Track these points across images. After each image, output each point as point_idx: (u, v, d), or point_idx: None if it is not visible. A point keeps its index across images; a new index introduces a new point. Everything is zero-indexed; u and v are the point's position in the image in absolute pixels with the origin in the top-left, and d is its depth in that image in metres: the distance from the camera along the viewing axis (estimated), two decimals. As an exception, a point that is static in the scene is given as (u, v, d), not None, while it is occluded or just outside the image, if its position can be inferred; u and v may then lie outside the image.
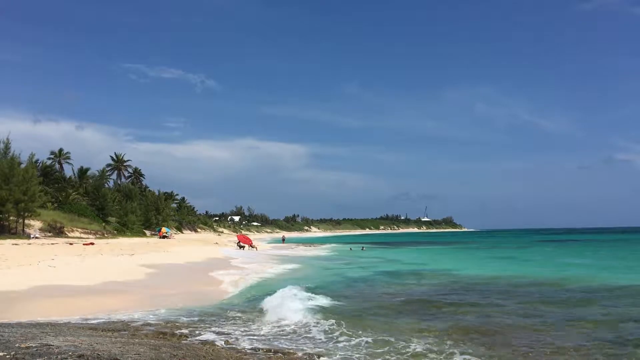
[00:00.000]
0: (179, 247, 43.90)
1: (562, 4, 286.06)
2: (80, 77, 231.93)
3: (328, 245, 63.73)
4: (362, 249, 52.79)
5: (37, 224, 47.59)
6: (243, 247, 49.14)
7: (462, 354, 8.29)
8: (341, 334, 9.57)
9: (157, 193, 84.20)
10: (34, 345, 6.12)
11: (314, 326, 10.32)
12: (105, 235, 56.18)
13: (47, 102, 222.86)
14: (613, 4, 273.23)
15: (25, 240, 39.06)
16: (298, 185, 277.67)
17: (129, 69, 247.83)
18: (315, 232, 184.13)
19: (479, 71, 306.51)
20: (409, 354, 8.23)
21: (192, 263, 27.47)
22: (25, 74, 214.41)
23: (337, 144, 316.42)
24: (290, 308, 12.31)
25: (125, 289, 15.73)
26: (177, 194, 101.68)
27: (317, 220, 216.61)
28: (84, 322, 9.89)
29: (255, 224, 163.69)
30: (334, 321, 10.80)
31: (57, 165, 70.75)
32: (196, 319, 10.92)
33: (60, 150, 73.59)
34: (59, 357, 5.57)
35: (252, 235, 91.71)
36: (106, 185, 74.61)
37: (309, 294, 15.06)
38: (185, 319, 10.84)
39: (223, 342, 8.56)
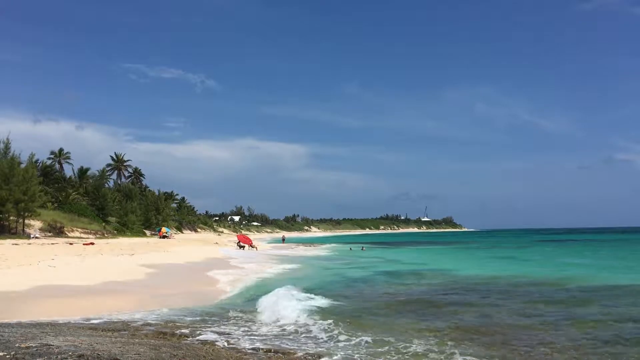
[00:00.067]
0: (179, 247, 43.91)
1: (562, 4, 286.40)
2: (80, 77, 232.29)
3: (328, 245, 63.73)
4: (362, 249, 52.79)
5: (37, 224, 47.60)
6: (243, 247, 49.15)
7: (462, 353, 8.29)
8: (341, 334, 9.57)
9: (157, 193, 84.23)
10: (34, 345, 6.12)
11: (313, 326, 10.32)
12: (105, 235, 56.19)
13: (47, 102, 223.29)
14: (613, 4, 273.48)
15: (25, 240, 39.06)
16: (298, 185, 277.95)
17: (129, 69, 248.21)
18: (315, 232, 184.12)
19: (479, 71, 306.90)
20: (409, 354, 8.23)
21: (192, 263, 27.48)
22: (25, 74, 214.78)
23: (337, 144, 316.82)
24: (290, 308, 12.33)
25: (125, 288, 15.73)
26: (177, 194, 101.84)
27: (317, 220, 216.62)
28: (84, 322, 9.89)
29: (255, 224, 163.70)
30: (333, 321, 10.80)
31: (57, 165, 70.77)
32: (196, 318, 10.92)
33: (60, 150, 73.66)
34: (59, 357, 5.57)
35: (252, 235, 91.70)
36: (106, 185, 74.65)
37: (309, 294, 15.08)
38: (185, 318, 10.84)
39: (223, 342, 8.56)
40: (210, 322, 10.56)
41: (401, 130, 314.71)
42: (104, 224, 60.73)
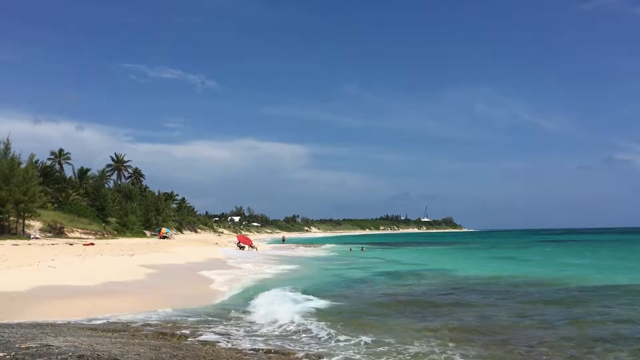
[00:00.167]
0: (179, 247, 43.92)
1: (562, 4, 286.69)
2: (80, 77, 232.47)
3: (328, 246, 63.71)
4: (362, 250, 52.78)
5: (37, 224, 47.61)
6: (243, 247, 49.15)
7: (462, 354, 8.30)
8: (341, 335, 9.57)
9: (157, 193, 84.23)
10: (34, 345, 6.13)
11: (313, 327, 10.32)
12: (105, 235, 56.19)
13: (47, 102, 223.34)
14: (613, 4, 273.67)
15: (26, 241, 39.06)
16: (298, 185, 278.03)
17: (129, 69, 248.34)
18: (315, 233, 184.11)
19: (479, 71, 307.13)
20: (409, 355, 8.24)
21: (192, 263, 27.48)
22: (25, 74, 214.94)
23: (337, 144, 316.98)
24: (289, 309, 12.35)
25: (125, 289, 15.73)
26: (177, 194, 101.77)
27: (317, 220, 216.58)
28: (84, 322, 9.90)
29: (255, 224, 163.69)
30: (333, 322, 10.81)
31: (57, 166, 70.77)
32: (196, 319, 10.93)
33: (61, 150, 73.68)
34: (59, 357, 5.58)
35: (252, 236, 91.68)
36: (106, 186, 74.67)
37: (309, 295, 15.10)
38: (185, 319, 10.85)
39: (223, 343, 8.57)
40: (210, 323, 10.57)
41: (401, 130, 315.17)
42: (104, 224, 60.74)
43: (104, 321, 10.12)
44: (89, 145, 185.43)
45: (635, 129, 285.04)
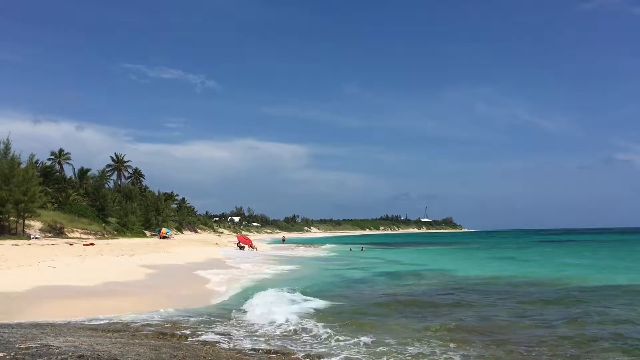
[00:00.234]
0: (179, 247, 43.93)
1: (562, 4, 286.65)
2: (80, 77, 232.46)
3: (328, 246, 63.72)
4: (362, 250, 52.79)
5: (37, 224, 47.63)
6: (243, 247, 49.15)
7: (462, 354, 8.31)
8: (341, 335, 9.57)
9: (157, 193, 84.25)
10: (34, 345, 6.14)
11: (313, 327, 10.32)
12: (105, 235, 56.20)
13: (47, 102, 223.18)
14: (613, 4, 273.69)
15: (26, 241, 39.07)
16: (298, 185, 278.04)
17: (129, 69, 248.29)
18: (315, 233, 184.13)
19: (479, 71, 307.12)
20: (409, 355, 8.24)
21: (192, 263, 27.49)
22: (25, 74, 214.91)
23: (337, 144, 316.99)
24: (289, 309, 12.35)
25: (125, 289, 15.74)
26: (177, 195, 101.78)
27: (317, 220, 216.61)
28: (84, 322, 9.91)
29: (255, 224, 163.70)
30: (333, 322, 10.82)
31: (57, 166, 70.78)
32: (196, 319, 10.93)
33: (61, 150, 73.70)
34: (59, 357, 5.59)
35: (252, 236, 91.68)
36: (106, 186, 74.67)
37: (309, 295, 15.11)
38: (185, 319, 10.86)
39: (223, 343, 8.58)
40: (210, 323, 10.58)
41: (401, 130, 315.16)
42: (104, 224, 60.75)
43: (104, 321, 10.12)
44: (89, 145, 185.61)
45: (635, 129, 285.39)
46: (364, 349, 8.52)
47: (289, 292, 15.50)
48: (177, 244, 50.50)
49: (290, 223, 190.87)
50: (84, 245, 39.12)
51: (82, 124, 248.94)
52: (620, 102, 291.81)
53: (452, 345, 8.91)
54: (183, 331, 9.41)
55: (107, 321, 10.17)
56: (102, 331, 8.92)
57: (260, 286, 17.85)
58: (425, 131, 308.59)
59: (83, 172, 72.22)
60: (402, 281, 20.63)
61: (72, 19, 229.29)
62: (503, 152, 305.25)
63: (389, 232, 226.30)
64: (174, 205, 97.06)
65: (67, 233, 50.52)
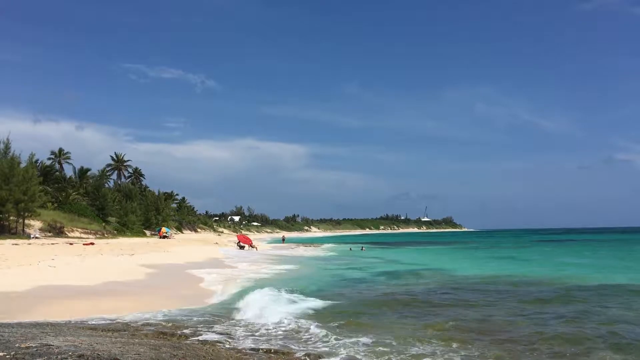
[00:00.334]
0: (179, 247, 43.94)
1: (562, 4, 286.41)
2: (80, 77, 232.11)
3: (328, 246, 63.74)
4: (362, 249, 52.81)
5: (37, 224, 47.62)
6: (243, 247, 49.18)
7: (462, 353, 8.33)
8: (341, 335, 9.59)
9: (157, 193, 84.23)
10: (34, 345, 6.15)
11: (313, 327, 10.33)
12: (105, 235, 56.21)
13: (47, 102, 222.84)
14: (613, 4, 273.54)
15: (26, 240, 39.08)
16: (298, 185, 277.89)
17: (129, 69, 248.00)
18: (315, 232, 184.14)
19: (479, 71, 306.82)
20: (409, 355, 8.25)
21: (192, 263, 27.50)
22: (25, 74, 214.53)
23: (337, 144, 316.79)
24: (289, 309, 12.37)
25: (125, 289, 15.75)
26: (177, 194, 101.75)
27: (317, 220, 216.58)
28: (84, 322, 9.92)
29: (255, 224, 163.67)
30: (333, 322, 10.84)
31: (57, 165, 70.76)
32: (196, 319, 10.95)
33: (60, 150, 73.66)
34: (59, 357, 5.60)
35: (252, 235, 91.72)
36: (106, 185, 74.65)
37: (308, 294, 15.12)
38: (185, 318, 10.87)
39: (223, 342, 8.59)
40: (210, 322, 10.59)
41: (401, 130, 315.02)
42: (104, 224, 60.74)
43: (104, 321, 10.14)
44: (89, 145, 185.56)
45: (635, 129, 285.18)
46: (364, 349, 8.53)
47: (289, 292, 15.51)
48: (177, 244, 50.52)
49: (290, 222, 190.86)
50: (84, 244, 39.14)
51: (82, 124, 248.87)
52: (620, 102, 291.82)
53: (452, 344, 8.92)
54: (183, 331, 9.43)
55: (107, 321, 10.18)
56: (102, 331, 8.93)
57: (260, 286, 17.84)
58: (425, 131, 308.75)
59: (83, 172, 72.18)
60: (402, 281, 20.64)
61: (72, 19, 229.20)
62: (503, 152, 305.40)
63: (389, 231, 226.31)
64: (174, 205, 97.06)
65: (67, 232, 50.54)
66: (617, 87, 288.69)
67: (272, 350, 8.21)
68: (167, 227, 71.76)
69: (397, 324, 10.86)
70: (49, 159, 70.10)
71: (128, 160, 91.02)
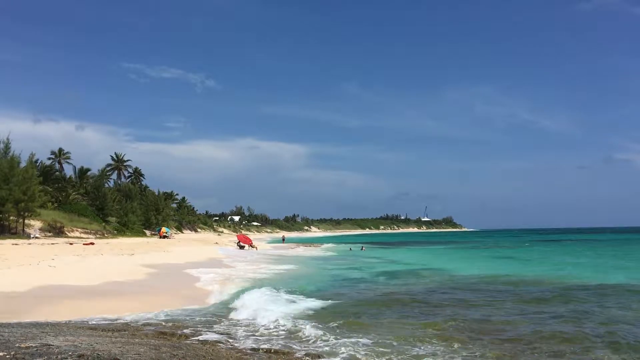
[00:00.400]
0: (178, 247, 43.95)
1: (562, 3, 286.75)
2: (80, 77, 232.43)
3: (328, 245, 63.74)
4: (362, 249, 52.81)
5: (37, 223, 47.63)
6: (243, 247, 49.18)
7: (463, 353, 8.33)
8: (341, 334, 9.59)
9: (157, 193, 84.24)
10: (34, 345, 6.15)
11: (313, 327, 10.32)
12: (105, 235, 56.22)
13: (47, 102, 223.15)
14: (613, 4, 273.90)
15: (26, 240, 39.09)
16: (298, 185, 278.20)
17: (129, 69, 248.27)
18: (315, 232, 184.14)
19: (479, 71, 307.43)
20: (410, 355, 8.26)
21: (192, 263, 27.50)
22: (25, 74, 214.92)
23: (337, 144, 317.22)
24: (288, 309, 12.38)
25: (125, 289, 15.75)
26: (177, 194, 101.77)
27: (317, 220, 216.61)
28: (84, 322, 9.92)
29: (255, 224, 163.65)
30: (333, 322, 10.83)
31: (57, 165, 70.80)
32: (196, 318, 10.96)
33: (60, 150, 73.70)
34: (59, 357, 5.60)
35: (252, 235, 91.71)
36: (106, 185, 74.59)
37: (308, 294, 15.12)
38: (185, 318, 10.88)
39: (223, 342, 8.60)
40: (210, 322, 10.60)
41: (401, 130, 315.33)
42: (104, 224, 60.75)
43: (104, 321, 10.14)
44: (89, 145, 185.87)
45: (635, 129, 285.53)
46: (364, 349, 8.53)
47: (288, 292, 15.52)
48: (177, 244, 50.53)
49: (290, 222, 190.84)
50: (84, 244, 39.14)
51: (82, 124, 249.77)
52: (620, 102, 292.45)
53: (452, 344, 8.93)
54: (183, 330, 9.43)
55: (107, 321, 10.19)
56: (102, 330, 8.93)
57: (260, 286, 17.85)
58: (425, 131, 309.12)
59: (83, 172, 72.17)
60: (402, 281, 20.65)
61: (72, 19, 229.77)
62: (503, 151, 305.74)
63: (389, 231, 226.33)
64: (174, 205, 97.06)
65: (67, 232, 50.54)
66: (616, 87, 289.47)
67: (272, 350, 8.21)
68: (167, 227, 71.76)
69: (397, 323, 10.86)
70: (49, 159, 70.26)
71: (128, 160, 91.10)
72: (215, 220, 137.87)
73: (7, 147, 45.40)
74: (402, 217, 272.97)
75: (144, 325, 9.87)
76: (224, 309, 12.54)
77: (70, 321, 9.91)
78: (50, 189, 57.10)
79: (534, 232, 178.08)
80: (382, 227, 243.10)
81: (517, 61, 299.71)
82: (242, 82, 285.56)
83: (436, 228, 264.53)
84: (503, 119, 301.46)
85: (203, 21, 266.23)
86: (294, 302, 13.64)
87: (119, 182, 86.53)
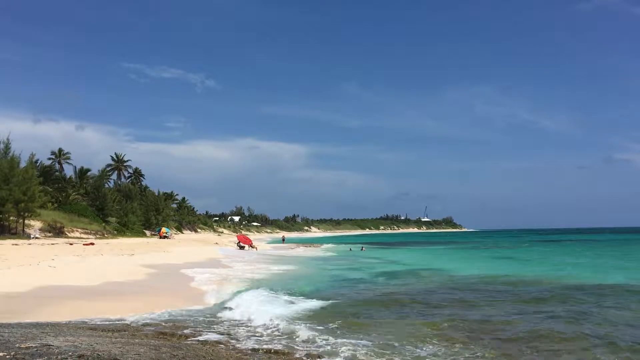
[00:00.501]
0: (178, 247, 43.97)
1: (562, 4, 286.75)
2: (80, 77, 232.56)
3: (328, 246, 63.75)
4: (362, 250, 52.81)
5: (37, 224, 47.64)
6: (243, 247, 49.19)
7: (462, 353, 8.35)
8: (341, 335, 9.61)
9: (157, 193, 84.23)
10: (34, 345, 6.16)
11: (313, 327, 10.35)
12: (105, 235, 56.22)
13: (47, 102, 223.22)
14: (613, 4, 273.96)
15: (26, 241, 39.10)
16: (298, 185, 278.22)
17: (129, 69, 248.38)
18: (315, 232, 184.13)
19: (479, 71, 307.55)
20: (409, 354, 8.28)
21: (192, 263, 27.51)
22: (25, 74, 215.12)
23: (337, 144, 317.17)
24: (288, 309, 12.40)
25: (125, 289, 15.76)
26: (177, 194, 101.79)
27: (317, 220, 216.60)
28: (84, 322, 9.94)
29: (255, 224, 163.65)
30: (333, 322, 10.85)
31: (57, 165, 70.83)
32: (195, 319, 10.97)
33: (60, 150, 73.71)
34: (59, 357, 5.62)
35: (252, 236, 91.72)
36: (106, 186, 74.60)
37: (308, 295, 15.14)
38: (184, 319, 10.89)
39: (223, 342, 8.61)
40: (210, 323, 10.61)
41: (401, 130, 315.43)
42: (104, 224, 60.75)
43: (104, 321, 10.15)
44: (89, 145, 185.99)
45: (635, 129, 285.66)
46: (364, 349, 8.54)
47: (288, 292, 15.54)
48: (177, 244, 50.53)
49: (290, 223, 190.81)
50: (84, 244, 39.15)
51: (82, 124, 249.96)
52: (620, 102, 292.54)
53: (452, 344, 8.94)
54: (183, 331, 9.44)
55: (107, 321, 10.20)
56: (102, 331, 8.94)
57: (260, 286, 17.88)
58: (425, 131, 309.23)
59: (83, 172, 72.19)
60: (402, 281, 20.66)
61: (72, 19, 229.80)
62: (503, 151, 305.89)
63: (389, 231, 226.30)
64: (174, 205, 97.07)
65: (67, 233, 50.54)
66: (616, 87, 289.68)
67: (272, 351, 8.22)
68: (167, 227, 71.78)
69: (397, 324, 10.88)
70: (49, 159, 70.32)
71: (128, 160, 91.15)
72: (215, 221, 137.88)
73: (7, 147, 45.46)
74: (402, 218, 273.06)
75: (144, 325, 9.89)
76: (224, 309, 12.54)
77: (70, 321, 9.92)
78: (50, 189, 57.12)
79: (534, 232, 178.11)
80: (382, 227, 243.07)
81: (517, 61, 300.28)
82: (242, 82, 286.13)
83: (436, 228, 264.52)
84: (503, 119, 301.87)
85: (203, 21, 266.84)
86: (293, 302, 13.65)
87: (119, 182, 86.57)
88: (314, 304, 13.39)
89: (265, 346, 8.52)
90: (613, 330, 10.15)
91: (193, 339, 8.78)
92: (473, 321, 11.13)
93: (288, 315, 11.49)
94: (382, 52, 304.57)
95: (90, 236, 51.47)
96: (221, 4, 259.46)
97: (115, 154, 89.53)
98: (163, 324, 10.18)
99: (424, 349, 8.64)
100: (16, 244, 33.79)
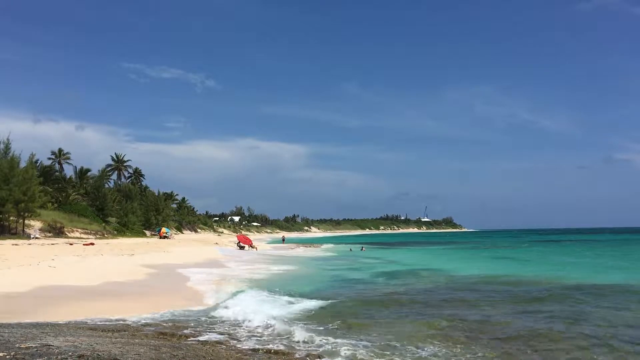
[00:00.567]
0: (178, 247, 43.97)
1: (562, 4, 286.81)
2: (80, 77, 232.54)
3: (328, 246, 63.75)
4: (362, 250, 52.81)
5: (37, 224, 47.64)
6: (243, 247, 49.21)
7: (463, 353, 8.35)
8: (340, 335, 9.62)
9: (157, 193, 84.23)
10: (34, 345, 6.17)
11: (313, 327, 10.36)
12: (106, 235, 56.22)
13: (47, 102, 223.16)
14: (613, 4, 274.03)
15: (26, 241, 39.10)
16: (298, 185, 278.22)
17: (129, 69, 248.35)
18: (315, 233, 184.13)
19: (478, 71, 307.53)
20: (409, 354, 8.28)
21: (192, 263, 27.52)
22: (25, 74, 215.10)
23: (337, 144, 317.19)
24: (288, 309, 12.40)
25: (125, 289, 15.77)
26: (177, 194, 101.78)
27: (317, 220, 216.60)
28: (84, 322, 9.94)
29: (255, 224, 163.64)
30: (333, 322, 10.86)
31: (57, 166, 70.83)
32: (195, 319, 10.97)
33: (60, 150, 73.71)
34: (59, 357, 5.62)
35: (252, 236, 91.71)
36: (106, 186, 74.59)
37: (309, 295, 15.14)
38: (184, 319, 10.90)
39: (223, 342, 8.61)
40: (209, 323, 10.62)
41: (401, 130, 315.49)
42: (104, 224, 60.75)
43: (104, 321, 10.15)
44: (89, 145, 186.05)
45: (635, 129, 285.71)
46: (364, 350, 8.55)
47: (287, 292, 15.54)
48: (177, 244, 50.54)
49: (290, 223, 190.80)
50: (84, 245, 39.15)
51: (82, 124, 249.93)
52: (620, 102, 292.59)
53: (452, 344, 8.95)
54: (183, 331, 9.45)
55: (107, 321, 10.20)
56: (102, 331, 8.95)
57: (260, 286, 17.89)
58: (425, 131, 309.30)
59: (83, 172, 72.18)
60: (402, 281, 20.66)
61: (72, 19, 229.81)
62: (503, 151, 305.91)
63: (389, 231, 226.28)
64: (174, 205, 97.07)
65: (67, 233, 50.55)
66: (616, 87, 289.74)
67: (273, 351, 8.22)
68: (167, 227, 71.79)
69: (397, 324, 10.89)
70: (49, 159, 70.31)
71: (128, 161, 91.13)
72: (215, 221, 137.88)
73: (7, 147, 45.45)
74: (402, 218, 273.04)
75: (144, 325, 9.89)
76: (224, 310, 12.53)
77: (70, 321, 9.92)
78: (50, 190, 57.12)
79: (534, 232, 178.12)
80: (382, 227, 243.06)
81: (517, 61, 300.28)
82: (242, 82, 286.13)
83: (436, 228, 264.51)
84: (503, 119, 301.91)
85: (203, 21, 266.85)
86: (293, 302, 13.65)
87: (119, 182, 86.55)
88: (314, 304, 13.39)
89: (265, 346, 8.53)
90: (612, 330, 10.16)
91: (193, 339, 8.78)
92: (473, 321, 11.14)
93: (288, 315, 11.50)
94: (382, 52, 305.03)
95: (90, 236, 51.47)
96: (221, 4, 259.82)
97: (115, 154, 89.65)
98: (163, 324, 10.18)
99: (424, 349, 8.64)
100: (16, 244, 33.79)
